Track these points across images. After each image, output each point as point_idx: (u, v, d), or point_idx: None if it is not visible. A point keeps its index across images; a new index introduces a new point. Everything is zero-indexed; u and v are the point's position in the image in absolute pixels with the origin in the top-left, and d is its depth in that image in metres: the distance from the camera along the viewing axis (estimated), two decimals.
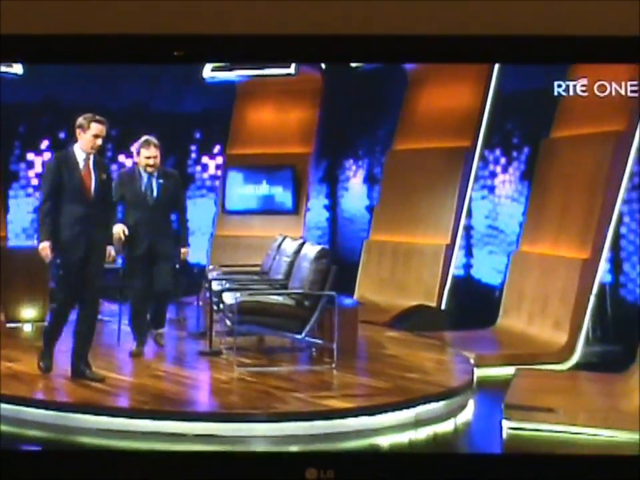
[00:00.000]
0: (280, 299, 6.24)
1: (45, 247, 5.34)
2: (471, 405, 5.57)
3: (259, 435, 4.77)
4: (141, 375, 5.63)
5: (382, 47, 4.46)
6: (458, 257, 8.17)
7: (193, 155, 9.72)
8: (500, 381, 5.90)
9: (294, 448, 4.74)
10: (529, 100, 7.58)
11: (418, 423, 5.07)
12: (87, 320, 5.41)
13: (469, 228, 8.32)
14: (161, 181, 6.25)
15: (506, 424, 5.02)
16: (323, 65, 8.92)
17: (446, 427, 5.19)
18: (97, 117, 5.43)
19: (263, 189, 9.36)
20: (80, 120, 5.44)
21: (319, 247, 6.41)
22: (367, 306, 7.56)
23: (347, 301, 6.59)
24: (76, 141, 5.45)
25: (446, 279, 7.98)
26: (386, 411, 5.01)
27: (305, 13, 4.44)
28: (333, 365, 5.83)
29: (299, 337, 6.01)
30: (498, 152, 8.20)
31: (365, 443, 4.85)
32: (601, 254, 6.71)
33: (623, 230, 7.23)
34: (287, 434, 4.79)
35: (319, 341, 6.06)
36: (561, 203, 7.12)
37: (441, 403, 5.28)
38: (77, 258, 5.32)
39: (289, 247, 7.10)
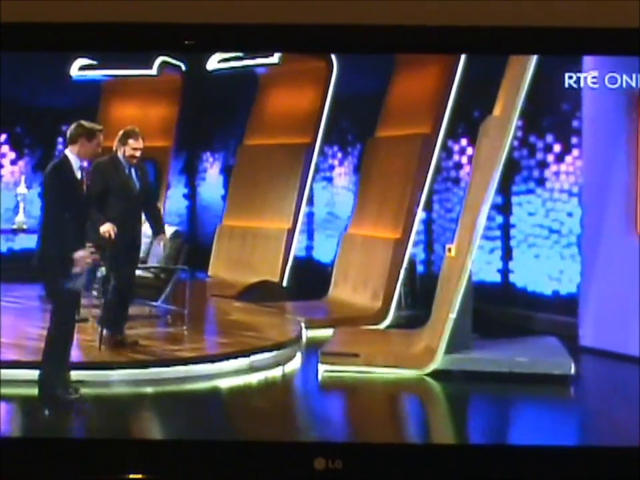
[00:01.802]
0: (140, 272, 7.30)
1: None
2: (298, 356, 6.78)
3: (119, 379, 5.83)
4: (21, 337, 6.47)
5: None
6: (300, 240, 9.27)
7: (60, 147, 10.22)
8: (325, 339, 7.02)
9: (149, 390, 5.84)
10: (361, 103, 8.86)
11: (252, 369, 6.24)
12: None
13: (310, 214, 9.46)
14: (139, 172, 6.50)
15: (321, 368, 6.28)
16: (183, 67, 9.79)
17: (275, 372, 6.38)
18: (100, 127, 5.39)
19: None
20: (85, 126, 5.31)
21: (173, 229, 7.53)
22: (218, 282, 8.60)
23: (199, 275, 7.71)
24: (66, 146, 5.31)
25: (287, 258, 9.07)
26: (224, 359, 6.16)
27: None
28: (185, 328, 6.93)
29: (155, 304, 7.12)
30: (336, 148, 9.30)
31: (207, 386, 5.99)
32: (410, 235, 8.00)
33: (434, 216, 8.66)
34: (143, 378, 5.87)
35: (173, 308, 7.15)
36: (380, 192, 8.38)
37: (272, 354, 6.46)
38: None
39: (149, 229, 8.14)
